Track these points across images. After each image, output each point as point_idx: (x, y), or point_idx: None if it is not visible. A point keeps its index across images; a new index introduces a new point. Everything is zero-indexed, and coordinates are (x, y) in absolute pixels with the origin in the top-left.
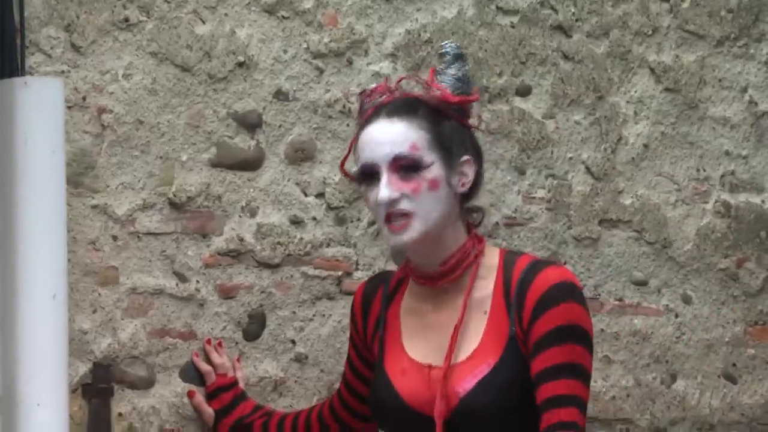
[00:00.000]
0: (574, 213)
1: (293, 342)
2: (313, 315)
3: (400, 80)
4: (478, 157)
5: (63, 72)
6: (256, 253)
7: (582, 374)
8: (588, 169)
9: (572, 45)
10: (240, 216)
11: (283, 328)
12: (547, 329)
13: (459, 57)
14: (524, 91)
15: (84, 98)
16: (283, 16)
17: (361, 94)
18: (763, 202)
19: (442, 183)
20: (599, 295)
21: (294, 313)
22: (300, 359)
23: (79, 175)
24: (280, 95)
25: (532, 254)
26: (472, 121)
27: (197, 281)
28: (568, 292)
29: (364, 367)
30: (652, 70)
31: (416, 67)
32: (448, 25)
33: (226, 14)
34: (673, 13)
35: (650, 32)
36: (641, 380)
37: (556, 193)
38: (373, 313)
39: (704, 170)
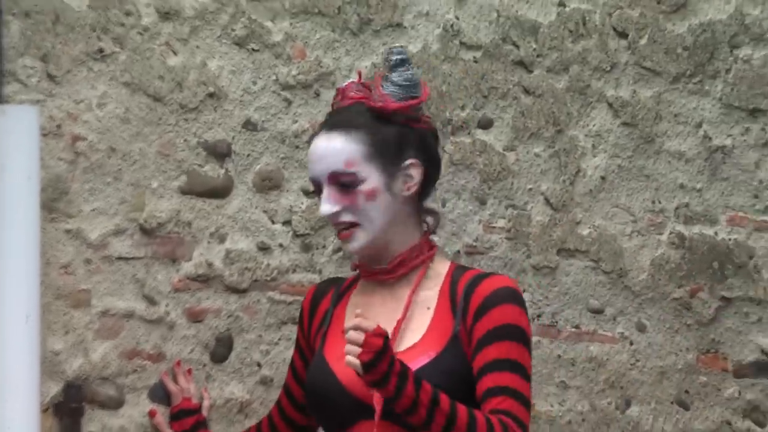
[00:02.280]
0: (533, 242)
1: (259, 365)
2: (279, 339)
3: (349, 85)
4: (428, 155)
5: (39, 101)
6: (225, 278)
7: (521, 370)
8: (547, 200)
9: (533, 80)
10: (209, 242)
11: (250, 351)
12: (488, 328)
13: (403, 61)
14: (486, 124)
15: (59, 126)
16: (253, 49)
17: (336, 91)
18: (716, 233)
19: (381, 192)
20: (556, 322)
21: (260, 336)
22: (266, 382)
23: (54, 201)
24: (249, 125)
25: (479, 271)
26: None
27: (167, 304)
28: (510, 295)
29: (306, 369)
30: (610, 105)
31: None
32: (413, 59)
33: (197, 46)
34: (631, 49)
35: (609, 68)
36: (596, 405)
37: (516, 222)
38: (321, 311)
39: (659, 202)
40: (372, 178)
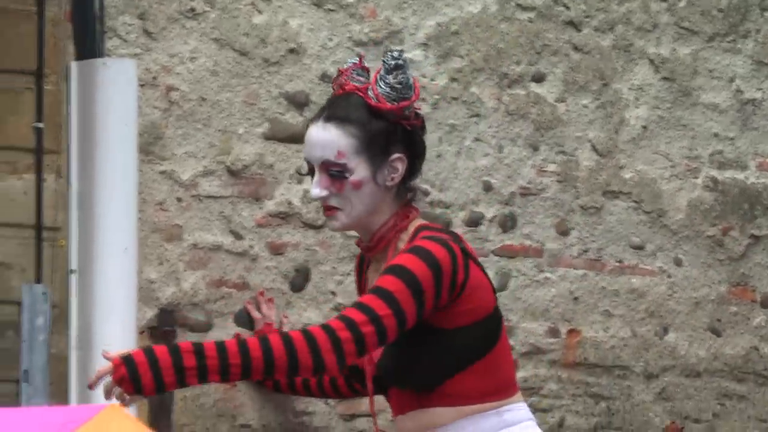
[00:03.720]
0: (580, 185)
1: (333, 293)
2: (351, 270)
3: (350, 68)
4: (412, 150)
5: (136, 54)
6: (302, 216)
7: (383, 293)
8: (594, 147)
9: (582, 38)
10: (288, 182)
11: (325, 281)
12: (384, 268)
13: (398, 66)
14: (539, 78)
15: (154, 78)
16: (330, 9)
17: (333, 80)
18: (746, 178)
19: (366, 182)
20: (601, 257)
21: (334, 268)
22: (339, 309)
23: (149, 145)
24: (325, 78)
25: (437, 227)
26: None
27: (251, 239)
28: (416, 249)
29: None
30: (652, 61)
31: (445, 54)
32: (473, 19)
33: (280, 6)
34: (671, 11)
35: (650, 28)
36: (637, 332)
37: (566, 167)
38: (362, 274)
39: (695, 150)
40: (360, 169)
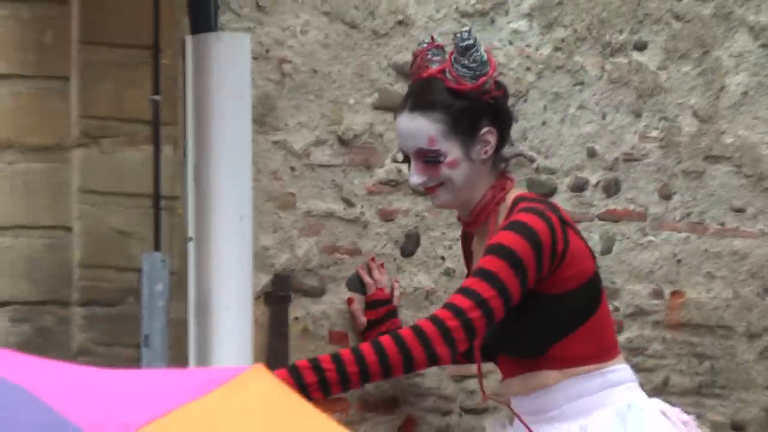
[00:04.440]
0: (683, 150)
1: (443, 258)
2: (459, 236)
3: (425, 50)
4: (499, 120)
5: (250, 28)
6: None
7: (488, 275)
8: (695, 113)
9: (683, 7)
10: (398, 151)
11: (435, 246)
12: (487, 246)
13: (470, 46)
14: (641, 46)
15: (267, 51)
16: None
17: (410, 65)
18: None
19: (461, 160)
20: (704, 220)
21: (444, 233)
22: (448, 273)
23: (263, 116)
24: None
25: (533, 197)
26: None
27: (362, 206)
28: (514, 224)
29: None
30: (751, 29)
31: (549, 24)
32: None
33: None
34: None
35: None
36: (740, 293)
37: (668, 133)
38: (468, 247)
39: None
40: (453, 151)
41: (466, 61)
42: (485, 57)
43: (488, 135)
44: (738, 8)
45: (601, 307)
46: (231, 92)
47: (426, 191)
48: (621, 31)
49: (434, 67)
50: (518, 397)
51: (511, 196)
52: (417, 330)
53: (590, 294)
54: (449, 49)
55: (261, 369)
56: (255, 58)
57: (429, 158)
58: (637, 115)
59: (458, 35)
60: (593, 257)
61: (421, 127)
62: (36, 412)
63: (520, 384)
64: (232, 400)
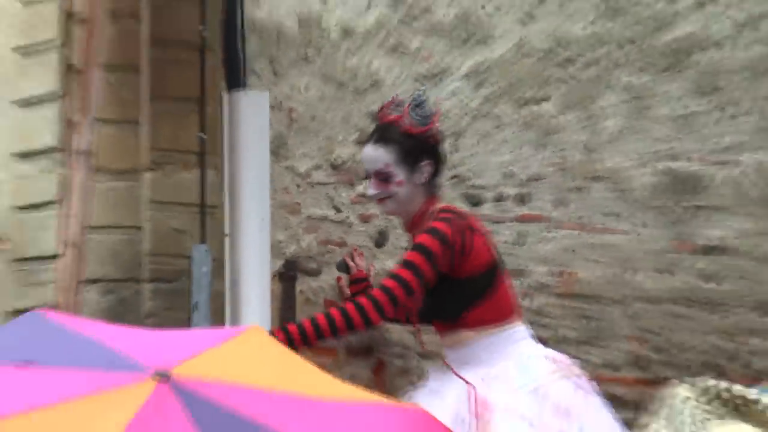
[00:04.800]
0: (575, 172)
1: (405, 248)
2: None
3: (389, 104)
4: (436, 157)
5: (268, 87)
6: None
7: (409, 265)
8: (583, 146)
9: (574, 71)
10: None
11: (399, 240)
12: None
13: (422, 103)
14: (545, 99)
15: (280, 103)
16: (401, 53)
17: (377, 112)
18: None
19: (405, 182)
20: (590, 222)
21: (405, 232)
22: None
23: (277, 148)
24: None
25: (450, 209)
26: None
27: (347, 212)
28: (429, 229)
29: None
30: (624, 87)
31: (480, 84)
32: (499, 59)
33: (366, 53)
34: None
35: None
36: (612, 272)
37: (564, 160)
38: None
39: None
40: (400, 174)
41: (418, 112)
42: (433, 110)
43: (427, 166)
44: (613, 71)
45: (501, 286)
46: (255, 132)
47: (377, 202)
48: (531, 88)
49: (394, 115)
50: (446, 349)
51: (437, 207)
52: (356, 305)
53: (490, 278)
54: (408, 102)
55: (258, 328)
56: (272, 108)
57: (382, 177)
58: (543, 147)
59: (416, 93)
60: (494, 252)
61: (380, 156)
62: (101, 352)
63: (448, 339)
64: (239, 347)
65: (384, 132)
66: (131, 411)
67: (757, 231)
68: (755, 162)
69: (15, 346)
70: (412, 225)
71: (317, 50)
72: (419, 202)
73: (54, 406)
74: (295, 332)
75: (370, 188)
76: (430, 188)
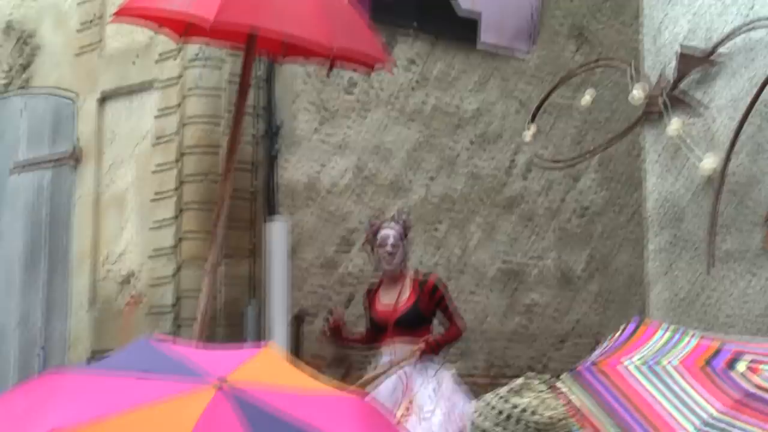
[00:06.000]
0: None
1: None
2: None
3: (386, 220)
4: (407, 241)
5: (288, 218)
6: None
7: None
8: None
9: None
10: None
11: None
12: (440, 297)
13: (408, 221)
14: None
15: (293, 229)
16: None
17: (373, 225)
18: None
19: (401, 250)
20: None
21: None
22: None
23: (293, 251)
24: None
25: (420, 272)
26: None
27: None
28: (439, 280)
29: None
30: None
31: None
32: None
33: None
34: None
35: None
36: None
37: None
38: (369, 297)
39: None
40: (401, 245)
41: (396, 227)
42: (411, 221)
43: (406, 245)
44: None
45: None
46: (281, 245)
47: (389, 255)
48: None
49: (395, 226)
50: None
51: (410, 272)
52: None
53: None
54: (404, 216)
55: (273, 344)
56: (290, 233)
57: (394, 248)
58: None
59: (398, 212)
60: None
61: (394, 234)
62: (171, 361)
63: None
64: (263, 360)
65: (393, 227)
66: (197, 412)
67: None
68: None
69: (130, 361)
70: (396, 278)
71: (315, 199)
72: (403, 264)
73: (147, 405)
74: (434, 343)
75: (388, 246)
76: (405, 258)
